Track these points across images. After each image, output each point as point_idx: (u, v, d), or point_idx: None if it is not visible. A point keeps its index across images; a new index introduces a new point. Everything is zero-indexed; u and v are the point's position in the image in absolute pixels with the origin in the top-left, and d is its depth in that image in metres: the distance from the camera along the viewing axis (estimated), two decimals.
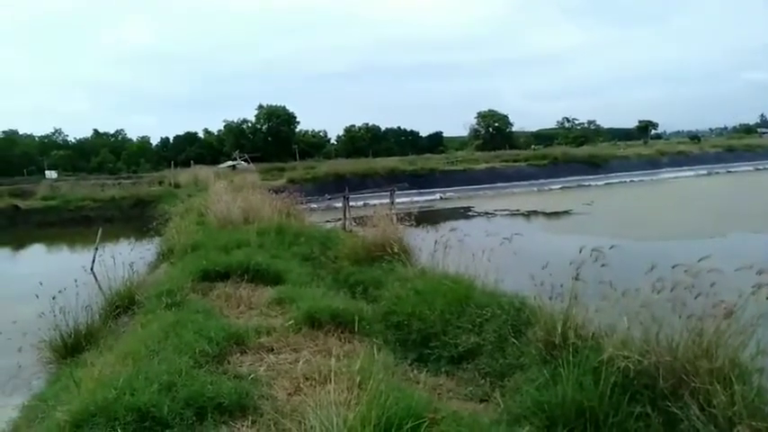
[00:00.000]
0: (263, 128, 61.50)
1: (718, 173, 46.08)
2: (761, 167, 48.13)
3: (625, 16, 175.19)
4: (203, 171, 35.04)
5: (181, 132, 67.18)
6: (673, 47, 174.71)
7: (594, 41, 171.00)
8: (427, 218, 24.29)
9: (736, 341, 3.40)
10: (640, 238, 16.51)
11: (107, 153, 63.05)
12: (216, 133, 66.07)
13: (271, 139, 60.07)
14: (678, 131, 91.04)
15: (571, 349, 4.19)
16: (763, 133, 78.26)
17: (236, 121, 62.83)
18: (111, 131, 70.88)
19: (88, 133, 69.71)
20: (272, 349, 5.24)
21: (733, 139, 68.72)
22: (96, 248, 12.19)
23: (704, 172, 46.04)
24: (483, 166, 43.40)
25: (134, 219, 26.20)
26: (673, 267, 3.93)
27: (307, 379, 4.41)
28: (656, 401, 3.50)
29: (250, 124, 62.58)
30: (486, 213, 27.91)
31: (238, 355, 5.09)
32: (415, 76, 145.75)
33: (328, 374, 3.93)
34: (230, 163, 45.30)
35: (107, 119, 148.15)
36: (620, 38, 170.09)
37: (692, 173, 45.52)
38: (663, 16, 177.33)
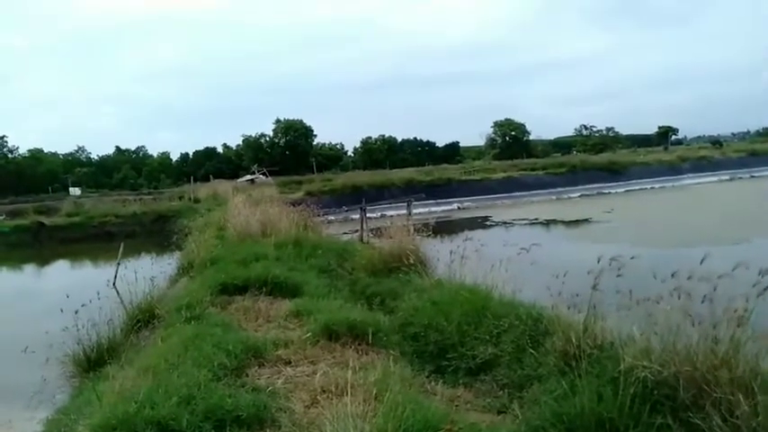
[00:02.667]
0: (281, 141, 62.15)
1: (741, 178, 45.21)
2: None
3: (643, 19, 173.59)
4: (222, 185, 35.48)
5: (200, 148, 68.32)
6: (692, 49, 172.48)
7: (612, 46, 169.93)
8: (445, 228, 24.27)
9: (755, 349, 3.33)
10: (661, 245, 16.26)
11: (128, 169, 64.33)
12: (234, 148, 66.97)
13: (288, 152, 60.66)
14: (699, 136, 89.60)
15: (590, 359, 4.16)
16: None
17: (254, 135, 63.65)
18: (133, 148, 72.39)
19: (110, 150, 71.34)
20: (290, 362, 5.27)
21: (756, 143, 67.38)
22: (118, 263, 12.37)
23: (727, 177, 45.26)
24: (500, 175, 43.22)
25: (155, 234, 26.59)
26: (681, 276, 3.90)
27: (324, 391, 4.42)
28: (677, 412, 3.43)
29: (268, 138, 63.29)
30: (505, 223, 27.75)
31: (256, 367, 5.13)
32: (431, 86, 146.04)
33: (345, 387, 3.95)
34: (249, 177, 45.72)
35: (129, 136, 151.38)
36: (638, 41, 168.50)
37: (714, 178, 44.80)
38: (682, 18, 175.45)
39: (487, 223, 28.41)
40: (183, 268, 11.99)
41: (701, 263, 3.99)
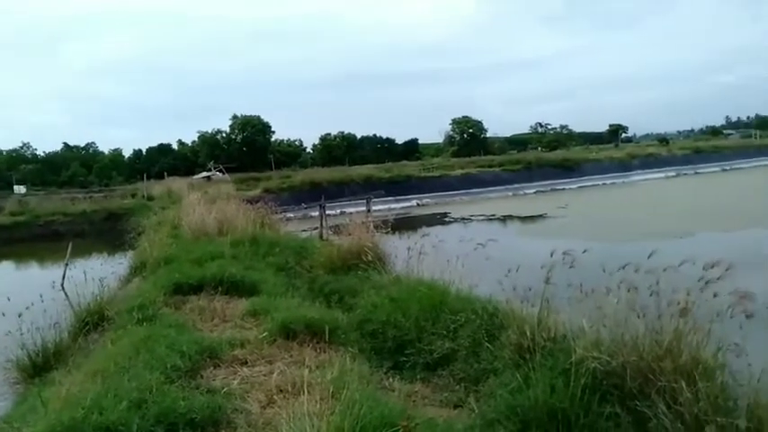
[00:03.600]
0: (238, 138, 60.91)
1: (686, 174, 47.30)
2: (727, 168, 49.69)
3: (595, 23, 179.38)
4: (177, 183, 34.62)
5: (154, 144, 66.27)
6: (642, 52, 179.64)
7: (566, 48, 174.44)
8: (404, 225, 24.37)
9: (696, 339, 3.48)
10: (612, 239, 16.80)
11: (78, 167, 61.79)
12: (190, 144, 65.27)
13: (246, 149, 59.49)
14: (647, 134, 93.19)
15: (543, 352, 4.26)
16: (729, 135, 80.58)
17: (210, 131, 62.21)
18: (82, 144, 69.59)
19: (58, 147, 68.33)
20: (246, 362, 5.19)
21: (700, 140, 70.57)
22: (66, 264, 11.93)
23: (673, 173, 47.21)
24: (459, 172, 43.80)
25: (106, 233, 25.74)
26: (632, 269, 4.05)
27: (281, 391, 4.38)
28: (624, 401, 3.56)
29: (225, 135, 61.93)
30: (463, 219, 28.11)
31: (212, 368, 5.03)
32: (390, 83, 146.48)
33: (302, 385, 3.92)
34: (205, 174, 44.78)
35: (77, 132, 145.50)
36: (590, 44, 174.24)
37: (661, 174, 46.64)
38: (632, 22, 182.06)
39: (446, 219, 28.72)
40: (135, 268, 11.65)
41: (649, 257, 4.14)
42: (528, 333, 4.47)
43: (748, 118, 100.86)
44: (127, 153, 67.54)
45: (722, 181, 40.42)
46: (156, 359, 4.71)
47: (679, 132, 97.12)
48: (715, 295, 3.58)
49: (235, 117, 61.36)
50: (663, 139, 73.94)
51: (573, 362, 3.75)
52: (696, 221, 20.72)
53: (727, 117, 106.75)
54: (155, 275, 8.97)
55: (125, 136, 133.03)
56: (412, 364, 5.48)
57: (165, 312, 6.67)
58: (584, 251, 4.89)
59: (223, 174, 43.83)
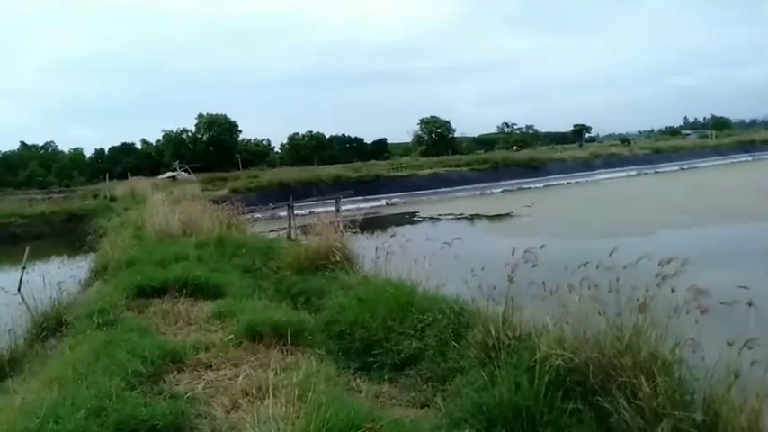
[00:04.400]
0: (204, 137, 59.92)
1: (647, 173, 48.63)
2: (685, 167, 51.30)
3: (561, 25, 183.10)
4: (141, 183, 33.84)
5: (117, 143, 64.56)
6: (604, 54, 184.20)
7: (531, 49, 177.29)
8: (373, 224, 24.39)
9: (654, 334, 3.58)
10: (576, 237, 17.16)
11: (36, 166, 59.65)
12: (154, 144, 63.85)
13: (212, 148, 58.55)
14: (610, 134, 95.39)
15: (508, 350, 4.31)
16: (687, 135, 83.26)
17: (175, 130, 60.99)
18: (41, 144, 67.22)
19: (15, 146, 65.84)
20: (211, 365, 5.10)
21: (660, 141, 72.76)
22: (23, 267, 11.53)
23: (634, 173, 48.47)
24: (427, 171, 44.03)
25: (66, 235, 24.95)
26: (595, 267, 4.15)
27: (246, 394, 4.31)
28: (587, 397, 3.62)
29: (190, 134, 60.85)
30: (431, 218, 28.27)
31: (175, 373, 4.93)
32: (359, 83, 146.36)
33: (268, 389, 3.87)
34: (170, 174, 43.94)
35: (36, 131, 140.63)
36: (554, 46, 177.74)
37: (623, 173, 47.82)
38: (595, 25, 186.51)
39: (415, 219, 28.84)
40: (96, 271, 11.32)
41: (610, 254, 4.25)
42: (493, 331, 4.51)
43: (704, 119, 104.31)
44: (88, 152, 65.60)
45: (681, 180, 41.69)
46: (117, 365, 4.59)
47: (640, 132, 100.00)
48: (673, 291, 3.68)
49: (201, 116, 60.36)
50: (624, 140, 75.99)
51: (537, 359, 3.79)
52: (657, 220, 21.35)
53: (685, 118, 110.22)
54: (116, 278, 8.74)
55: (86, 135, 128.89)
56: (379, 364, 5.47)
57: (127, 316, 6.52)
58: (542, 247, 4.95)
59: (189, 174, 43.14)
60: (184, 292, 7.48)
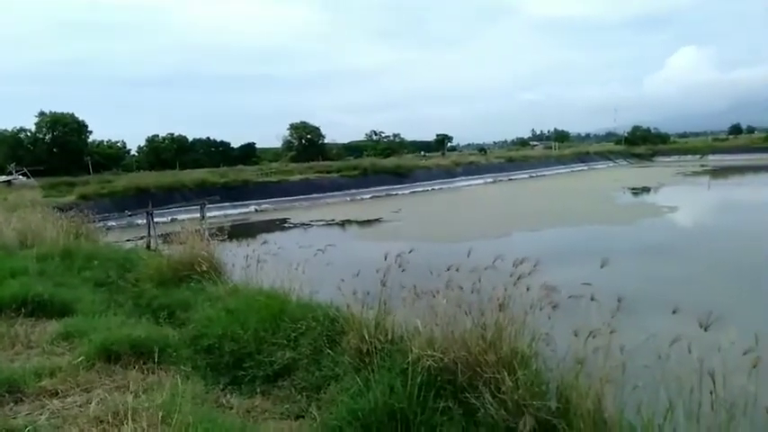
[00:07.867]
0: (47, 138, 53.73)
1: (501, 180, 53.13)
2: (534, 175, 57.06)
3: (425, 40, 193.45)
4: None
5: None
6: (464, 69, 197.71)
7: (396, 62, 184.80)
8: (242, 232, 23.64)
9: (513, 331, 3.86)
10: (443, 240, 18.06)
11: None
12: None
13: (57, 150, 52.72)
14: (469, 144, 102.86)
15: (382, 354, 4.38)
16: (535, 146, 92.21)
17: (11, 129, 53.94)
18: None
19: None
20: (57, 393, 4.53)
21: (512, 151, 79.80)
22: None
23: (491, 180, 52.70)
24: (297, 177, 43.64)
25: None
26: (456, 269, 4.39)
27: (100, 422, 3.89)
28: (457, 395, 3.80)
29: (30, 133, 54.22)
30: (303, 224, 28.05)
31: (12, 405, 4.31)
32: (225, 86, 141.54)
33: (126, 413, 3.53)
34: (5, 178, 38.88)
35: None
36: (421, 59, 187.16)
37: (481, 181, 51.78)
38: (458, 42, 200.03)
39: (286, 225, 28.41)
40: None
41: (468, 255, 4.51)
42: (367, 336, 4.56)
43: (549, 132, 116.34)
44: None
45: (530, 186, 45.94)
46: None
47: (495, 143, 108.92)
48: (528, 289, 4.00)
49: (42, 114, 54.08)
50: (482, 149, 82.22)
51: (410, 361, 3.90)
52: (510, 223, 23.26)
53: (533, 130, 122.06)
54: None
55: None
56: (251, 377, 5.27)
57: None
58: (410, 251, 5.12)
59: (27, 178, 38.56)
60: (23, 311, 6.62)
